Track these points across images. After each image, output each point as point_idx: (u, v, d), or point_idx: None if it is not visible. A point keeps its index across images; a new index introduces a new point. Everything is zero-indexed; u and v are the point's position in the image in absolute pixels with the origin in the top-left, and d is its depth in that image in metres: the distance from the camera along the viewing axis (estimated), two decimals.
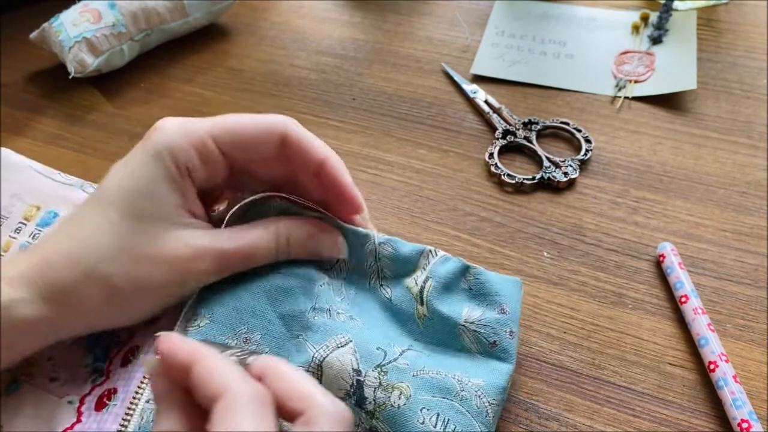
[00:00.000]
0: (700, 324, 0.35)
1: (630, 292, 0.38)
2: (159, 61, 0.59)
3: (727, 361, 0.33)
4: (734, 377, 0.32)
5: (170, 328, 0.32)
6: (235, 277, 0.33)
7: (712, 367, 0.33)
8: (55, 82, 0.56)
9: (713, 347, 0.33)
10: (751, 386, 0.33)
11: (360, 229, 0.35)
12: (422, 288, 0.33)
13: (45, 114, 0.54)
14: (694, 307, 0.35)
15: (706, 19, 0.60)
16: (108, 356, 0.33)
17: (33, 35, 0.55)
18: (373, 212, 0.44)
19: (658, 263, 0.39)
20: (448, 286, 0.33)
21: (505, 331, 0.32)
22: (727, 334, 0.36)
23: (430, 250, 0.34)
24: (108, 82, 0.56)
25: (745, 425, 0.30)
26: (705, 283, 0.38)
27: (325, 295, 0.33)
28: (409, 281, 0.34)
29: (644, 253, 0.40)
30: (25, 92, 0.56)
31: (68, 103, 0.54)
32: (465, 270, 0.34)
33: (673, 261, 0.38)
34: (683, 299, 0.36)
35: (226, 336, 0.31)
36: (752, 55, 0.56)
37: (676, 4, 0.60)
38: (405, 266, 0.34)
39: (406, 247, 0.35)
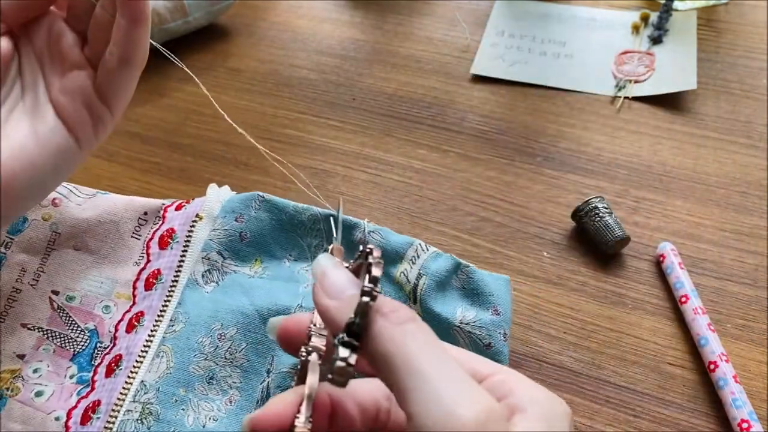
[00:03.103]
0: (700, 324, 0.35)
1: (630, 292, 0.38)
2: (159, 61, 0.59)
3: (727, 361, 0.33)
4: (734, 377, 0.32)
5: (149, 336, 0.32)
6: (217, 284, 0.33)
7: (712, 367, 0.33)
8: None
9: (713, 347, 0.33)
10: (751, 386, 0.33)
11: (349, 217, 0.35)
12: (416, 285, 0.33)
13: None
14: (694, 307, 0.35)
15: (706, 19, 0.60)
16: (92, 364, 0.32)
17: None
18: (374, 212, 0.44)
19: (659, 263, 0.39)
20: (442, 285, 0.33)
21: (500, 333, 0.32)
22: (727, 334, 0.36)
23: (420, 244, 0.34)
24: None
25: (745, 425, 0.30)
26: (705, 283, 0.38)
27: (311, 297, 0.33)
28: (399, 276, 0.33)
29: (644, 253, 0.40)
30: None
31: None
32: (457, 267, 0.33)
33: (673, 261, 0.38)
34: (683, 299, 0.36)
35: (200, 335, 0.31)
36: (752, 55, 0.56)
37: (676, 4, 0.60)
38: (392, 257, 0.34)
39: (395, 237, 0.34)
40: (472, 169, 0.46)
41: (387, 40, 0.60)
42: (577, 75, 0.54)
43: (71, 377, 0.32)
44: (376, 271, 0.20)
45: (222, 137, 0.50)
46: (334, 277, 0.22)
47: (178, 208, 0.38)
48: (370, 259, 0.21)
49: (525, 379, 0.21)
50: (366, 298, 0.19)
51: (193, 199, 0.38)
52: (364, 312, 0.20)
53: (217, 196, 0.37)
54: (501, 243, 0.41)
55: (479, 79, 0.55)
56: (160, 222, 0.37)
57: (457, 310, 0.32)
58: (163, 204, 0.38)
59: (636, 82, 0.53)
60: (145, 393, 0.30)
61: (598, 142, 0.48)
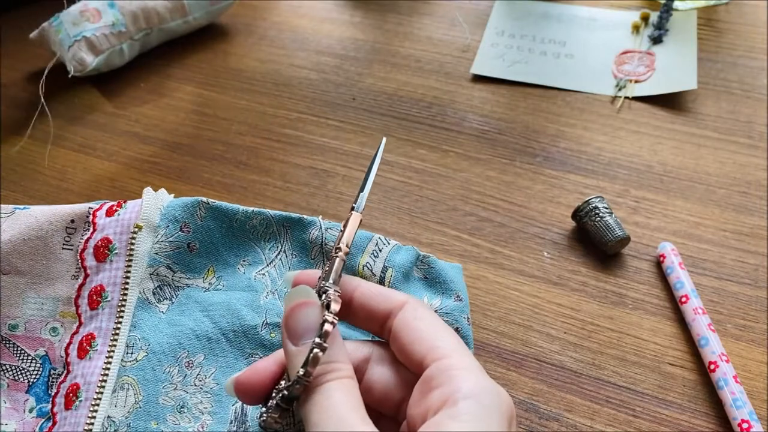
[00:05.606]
0: (701, 324, 0.35)
1: (630, 292, 0.38)
2: (159, 61, 0.59)
3: (727, 362, 0.33)
4: (734, 377, 0.32)
5: (105, 363, 0.31)
6: (171, 301, 0.33)
7: (712, 367, 0.33)
8: (55, 82, 0.56)
9: (713, 347, 0.33)
10: (751, 386, 0.33)
11: (304, 216, 0.34)
12: (382, 278, 0.33)
13: (45, 114, 0.53)
14: (694, 307, 0.35)
15: (706, 19, 0.60)
16: (49, 394, 0.31)
17: (33, 35, 0.55)
18: (373, 212, 0.44)
19: (659, 263, 0.39)
20: (407, 276, 0.33)
21: (464, 318, 0.33)
22: (727, 334, 0.36)
23: (380, 238, 0.34)
24: (108, 81, 0.56)
25: (745, 425, 0.30)
26: (705, 283, 0.38)
27: (273, 306, 0.32)
28: (362, 269, 0.33)
29: (644, 253, 0.40)
30: (25, 92, 0.56)
31: (68, 103, 0.54)
32: (418, 258, 0.34)
33: (673, 261, 0.38)
34: (683, 299, 0.36)
35: (167, 365, 0.31)
36: (752, 55, 0.56)
37: (676, 4, 0.60)
38: (352, 250, 0.34)
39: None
40: (472, 169, 0.46)
41: (387, 40, 0.60)
42: (577, 75, 0.54)
43: (30, 411, 0.31)
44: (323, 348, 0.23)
45: (221, 137, 0.50)
46: (297, 318, 0.24)
47: (109, 213, 0.35)
48: (326, 316, 0.23)
49: (473, 368, 0.23)
50: (302, 371, 0.22)
51: (125, 202, 0.35)
52: (299, 383, 0.22)
53: (155, 202, 0.34)
54: (501, 243, 0.41)
55: (479, 79, 0.55)
56: (91, 229, 0.34)
57: (424, 298, 0.33)
58: (90, 208, 0.35)
59: (636, 81, 0.53)
60: (115, 430, 0.29)
61: (598, 142, 0.48)
